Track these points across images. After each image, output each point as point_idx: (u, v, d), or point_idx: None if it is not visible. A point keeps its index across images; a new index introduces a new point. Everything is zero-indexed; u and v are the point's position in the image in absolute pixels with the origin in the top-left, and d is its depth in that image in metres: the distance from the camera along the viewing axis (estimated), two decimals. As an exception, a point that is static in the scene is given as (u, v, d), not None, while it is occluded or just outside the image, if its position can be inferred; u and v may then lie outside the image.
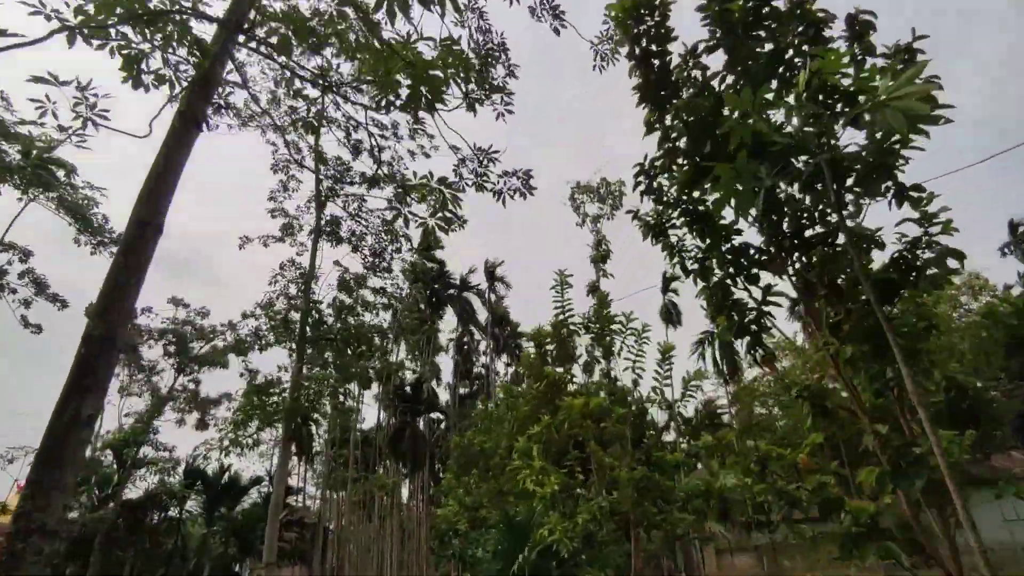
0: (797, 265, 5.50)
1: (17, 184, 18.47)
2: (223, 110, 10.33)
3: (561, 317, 9.26)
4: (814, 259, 5.43)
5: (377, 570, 39.00)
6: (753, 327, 5.56)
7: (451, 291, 40.76)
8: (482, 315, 43.04)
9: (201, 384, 27.17)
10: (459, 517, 18.22)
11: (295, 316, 17.03)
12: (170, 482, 27.06)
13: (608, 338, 8.92)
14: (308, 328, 16.52)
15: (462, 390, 43.79)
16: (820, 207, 5.37)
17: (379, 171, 14.14)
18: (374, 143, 13.46)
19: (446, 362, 45.96)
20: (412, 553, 49.45)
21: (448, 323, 45.91)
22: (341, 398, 27.94)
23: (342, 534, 39.52)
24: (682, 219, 5.94)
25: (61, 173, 19.13)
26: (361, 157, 18.00)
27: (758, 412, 32.68)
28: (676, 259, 5.92)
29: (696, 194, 5.88)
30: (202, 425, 23.71)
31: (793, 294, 5.58)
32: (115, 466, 25.44)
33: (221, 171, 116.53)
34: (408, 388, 38.04)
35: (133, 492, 28.18)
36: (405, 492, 50.60)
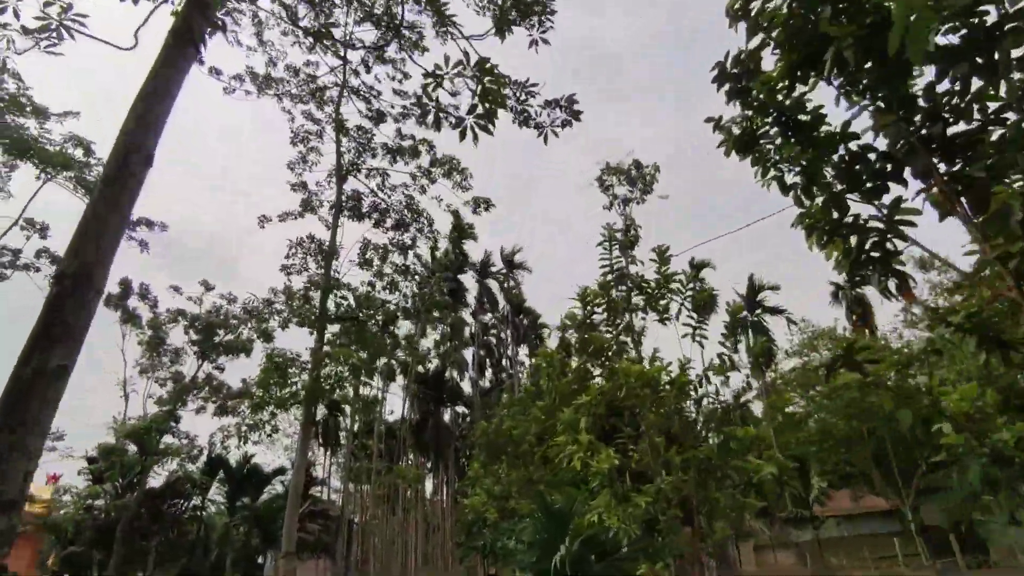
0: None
1: (36, 164, 17.97)
2: (224, 32, 9.41)
3: (609, 277, 8.14)
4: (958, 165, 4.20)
5: (402, 564, 38.35)
6: (876, 253, 4.36)
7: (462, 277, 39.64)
8: (491, 308, 42.07)
9: (224, 372, 26.63)
10: (488, 507, 17.25)
11: (315, 295, 16.18)
12: (191, 470, 26.64)
13: (665, 300, 7.76)
14: (329, 306, 15.67)
15: (485, 383, 42.90)
16: (968, 97, 4.14)
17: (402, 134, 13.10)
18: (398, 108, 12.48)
19: (466, 354, 45.18)
20: (437, 547, 48.83)
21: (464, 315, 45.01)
22: (364, 386, 27.20)
23: (366, 527, 38.93)
24: (777, 126, 4.75)
25: (79, 152, 18.58)
26: (383, 127, 17.09)
27: (793, 406, 30.98)
28: (771, 174, 4.74)
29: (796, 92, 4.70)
30: (221, 411, 23.16)
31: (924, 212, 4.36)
32: (138, 454, 25.01)
33: (237, 165, 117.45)
34: (431, 377, 37.16)
35: (156, 481, 27.84)
36: (429, 486, 50.02)
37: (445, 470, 40.29)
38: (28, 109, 16.40)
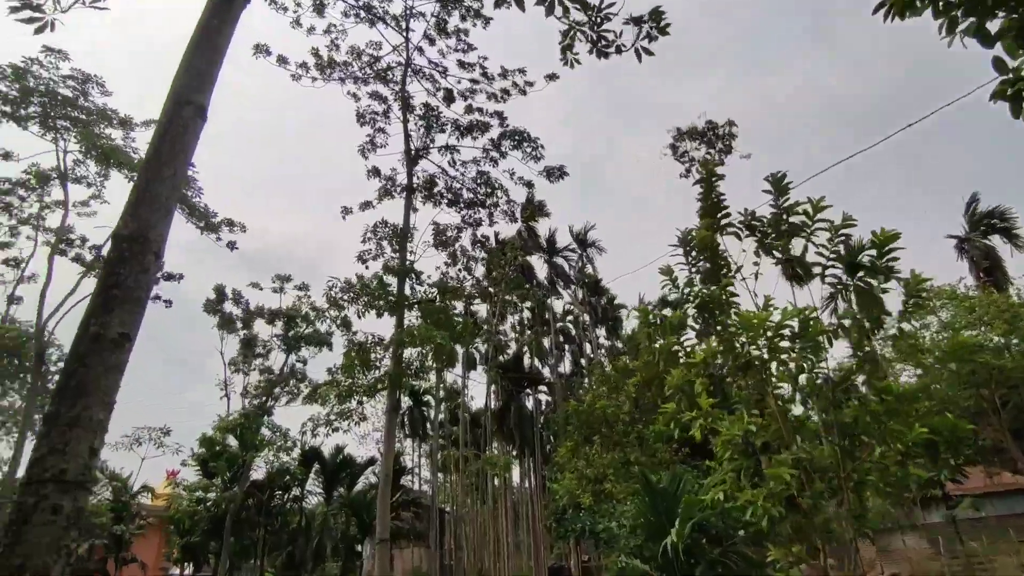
0: None
1: (125, 173, 18.87)
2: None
3: (710, 219, 7.04)
4: None
5: (494, 551, 38.44)
6: None
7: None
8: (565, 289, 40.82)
9: (307, 364, 27.40)
10: (582, 491, 16.42)
11: (392, 280, 15.89)
12: (287, 462, 27.67)
13: (786, 238, 6.54)
14: (406, 291, 15.34)
15: (564, 367, 42.03)
16: None
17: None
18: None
19: (544, 339, 44.35)
20: (527, 534, 48.76)
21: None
22: (446, 371, 27.15)
23: (457, 515, 39.28)
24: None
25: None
26: (452, 106, 16.57)
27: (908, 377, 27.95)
28: (965, 24, 3.55)
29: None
30: (310, 399, 23.80)
31: None
32: (240, 448, 26.17)
33: (306, 177, 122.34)
34: (510, 363, 36.72)
35: (259, 474, 29.11)
36: (516, 473, 49.98)
37: (531, 456, 39.91)
38: (115, 121, 17.12)
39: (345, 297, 14.92)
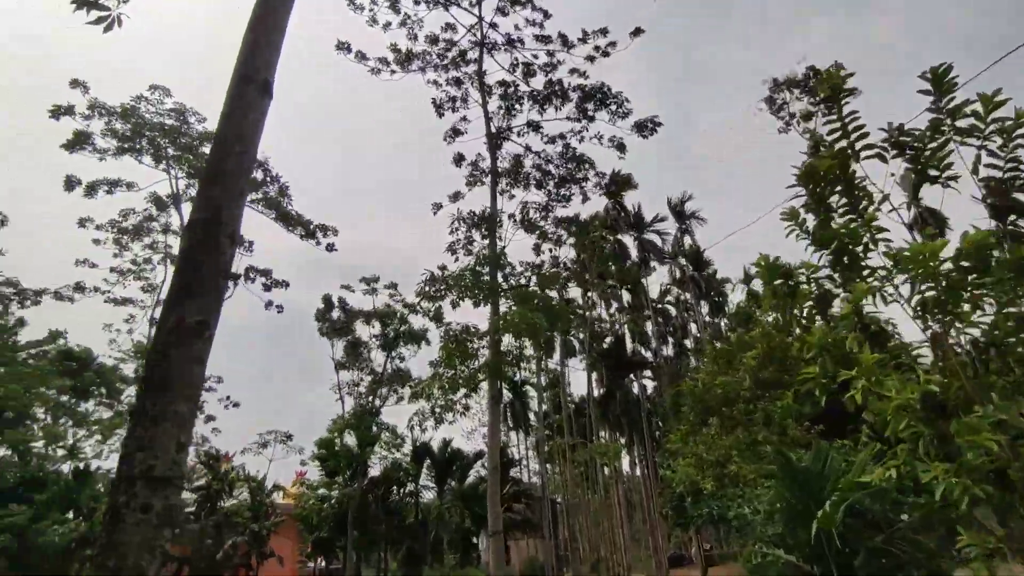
0: None
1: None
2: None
3: (843, 143, 5.84)
4: None
5: (609, 540, 37.58)
6: None
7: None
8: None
9: (406, 362, 28.10)
10: (701, 476, 15.27)
11: (484, 269, 15.57)
12: (399, 458, 28.52)
13: (946, 148, 5.24)
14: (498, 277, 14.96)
15: (667, 350, 40.10)
16: None
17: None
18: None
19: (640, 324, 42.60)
20: (642, 522, 47.37)
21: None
22: (546, 359, 26.71)
23: (569, 505, 38.80)
24: None
25: (259, 173, 20.33)
26: (532, 81, 16.02)
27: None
28: None
29: None
30: (415, 396, 24.28)
31: None
32: (357, 447, 27.27)
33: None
34: (611, 349, 35.60)
35: (374, 472, 30.25)
36: (624, 463, 48.65)
37: (640, 443, 38.57)
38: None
39: (438, 289, 14.79)
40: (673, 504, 32.66)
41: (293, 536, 33.35)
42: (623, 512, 40.12)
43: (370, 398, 27.27)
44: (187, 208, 21.10)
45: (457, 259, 15.36)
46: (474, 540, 32.05)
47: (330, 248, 20.99)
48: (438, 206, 16.06)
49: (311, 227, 20.29)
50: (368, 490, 28.40)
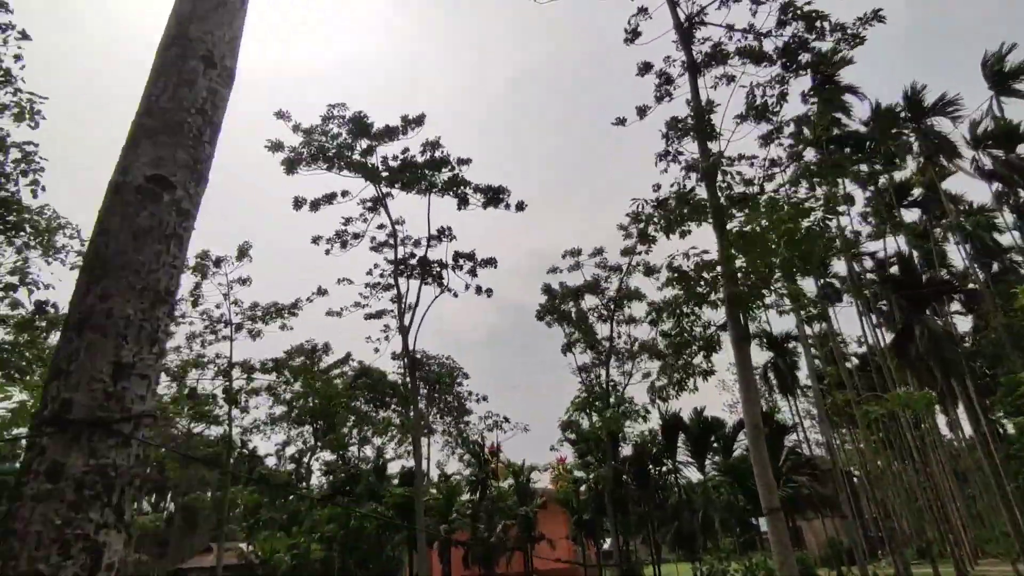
0: None
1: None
2: None
3: None
4: None
5: (938, 519, 29.78)
6: None
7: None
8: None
9: (631, 325, 25.90)
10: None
11: (696, 184, 12.66)
12: (646, 433, 26.40)
13: None
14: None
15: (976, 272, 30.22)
16: None
17: None
18: None
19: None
20: (979, 495, 37.06)
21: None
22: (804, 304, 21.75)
23: (872, 479, 31.92)
24: None
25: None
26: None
27: None
28: None
29: None
30: (649, 352, 22.06)
31: None
32: (598, 424, 26.01)
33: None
34: (900, 275, 28.00)
35: (628, 451, 28.67)
36: (940, 422, 38.70)
37: (961, 394, 29.80)
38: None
39: (651, 217, 12.33)
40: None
41: (562, 520, 33.59)
42: (951, 484, 31.57)
43: (602, 372, 25.78)
44: (393, 207, 22.15)
45: (667, 170, 12.56)
46: (753, 520, 28.17)
47: (520, 207, 19.94)
48: (621, 120, 13.52)
49: (493, 191, 19.50)
50: (621, 469, 26.87)
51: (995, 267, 31.78)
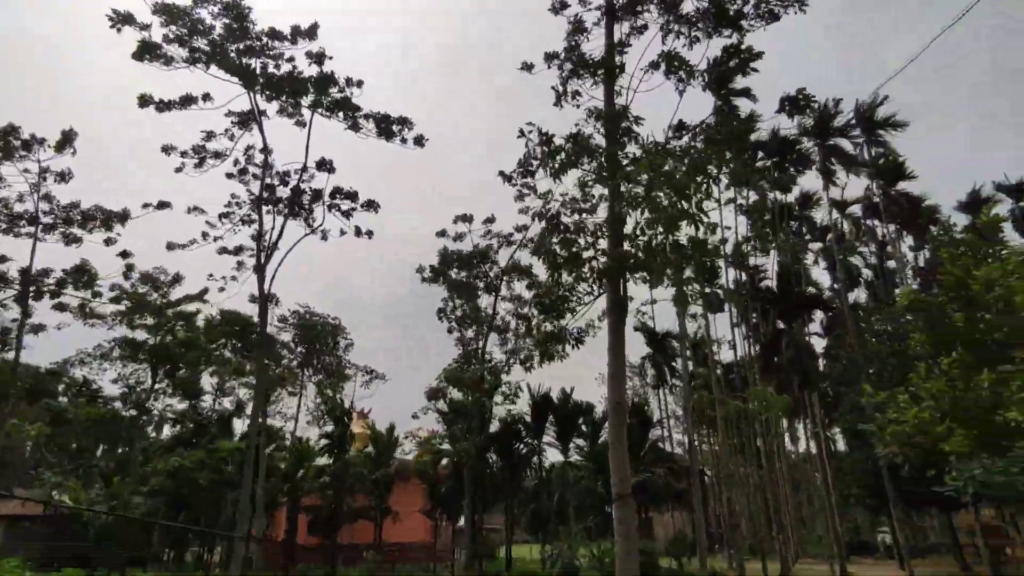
0: None
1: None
2: None
3: None
4: None
5: (771, 521, 31.87)
6: None
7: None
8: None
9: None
10: (943, 428, 10.15)
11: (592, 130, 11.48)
12: (516, 412, 25.77)
13: None
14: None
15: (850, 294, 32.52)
16: None
17: None
18: None
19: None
20: (807, 502, 40.59)
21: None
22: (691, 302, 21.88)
23: (723, 478, 33.51)
24: None
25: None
26: None
27: None
28: None
29: None
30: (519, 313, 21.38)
31: None
32: (471, 395, 24.89)
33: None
34: (778, 289, 29.23)
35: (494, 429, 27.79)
36: (787, 439, 41.79)
37: (808, 409, 31.94)
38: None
39: (538, 164, 10.98)
40: (863, 479, 26.35)
41: (419, 493, 32.21)
42: (787, 490, 33.97)
43: (479, 343, 24.65)
44: (268, 126, 19.33)
45: (562, 107, 11.25)
46: (608, 508, 28.45)
47: (419, 141, 18.06)
48: (528, 66, 12.09)
49: (388, 122, 17.50)
50: (486, 445, 25.97)
51: (852, 295, 34.45)
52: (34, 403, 39.72)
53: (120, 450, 39.80)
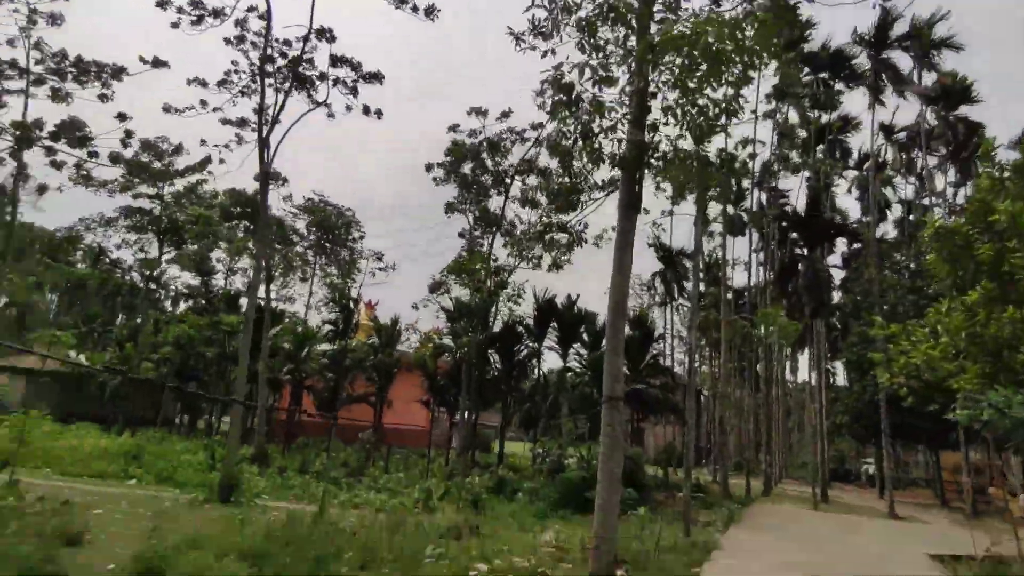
0: None
1: None
2: None
3: None
4: None
5: (762, 444, 32.64)
6: None
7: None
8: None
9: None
10: (973, 371, 9.70)
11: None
12: (519, 315, 25.80)
13: None
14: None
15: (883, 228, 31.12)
16: None
17: None
18: None
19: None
20: (797, 429, 41.48)
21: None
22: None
23: (719, 398, 34.01)
24: None
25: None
26: None
27: None
28: None
29: None
30: (524, 202, 20.79)
31: None
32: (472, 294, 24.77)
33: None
34: (804, 212, 27.91)
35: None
36: (786, 368, 42.00)
37: (815, 338, 31.64)
38: None
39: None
40: (858, 409, 26.53)
41: (419, 385, 33.08)
42: (780, 416, 34.55)
43: (482, 240, 24.17)
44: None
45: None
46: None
47: (429, 12, 16.54)
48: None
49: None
50: (488, 344, 26.17)
51: (880, 230, 33.11)
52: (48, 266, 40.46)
53: (138, 320, 41.04)
